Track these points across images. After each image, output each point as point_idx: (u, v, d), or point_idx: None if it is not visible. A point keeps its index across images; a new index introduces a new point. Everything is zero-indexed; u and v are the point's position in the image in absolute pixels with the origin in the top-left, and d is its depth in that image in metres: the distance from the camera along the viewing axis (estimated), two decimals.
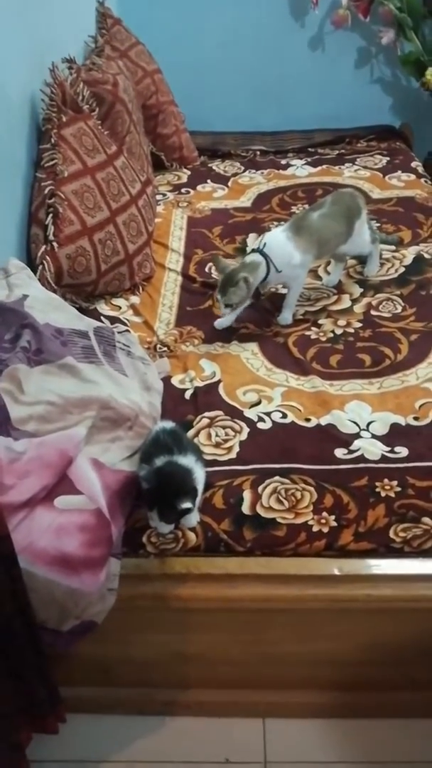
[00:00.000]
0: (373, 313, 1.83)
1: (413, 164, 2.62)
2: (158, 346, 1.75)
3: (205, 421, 1.50)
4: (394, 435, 1.44)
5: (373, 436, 1.44)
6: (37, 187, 1.81)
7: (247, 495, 1.32)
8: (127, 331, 1.76)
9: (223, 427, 1.48)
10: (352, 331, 1.77)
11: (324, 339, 1.75)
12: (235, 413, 1.52)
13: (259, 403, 1.55)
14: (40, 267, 1.70)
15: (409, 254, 2.05)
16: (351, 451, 1.41)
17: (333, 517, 1.29)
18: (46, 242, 1.73)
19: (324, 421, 1.49)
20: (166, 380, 1.61)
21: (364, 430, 1.46)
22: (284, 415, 1.51)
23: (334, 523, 1.28)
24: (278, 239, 1.75)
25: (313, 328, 1.79)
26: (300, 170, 2.65)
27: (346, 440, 1.43)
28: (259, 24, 2.98)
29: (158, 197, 2.45)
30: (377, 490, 1.32)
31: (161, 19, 2.93)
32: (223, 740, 1.36)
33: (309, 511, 1.29)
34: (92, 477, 1.23)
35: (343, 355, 1.69)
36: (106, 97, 2.10)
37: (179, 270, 2.07)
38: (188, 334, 1.79)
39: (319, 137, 2.92)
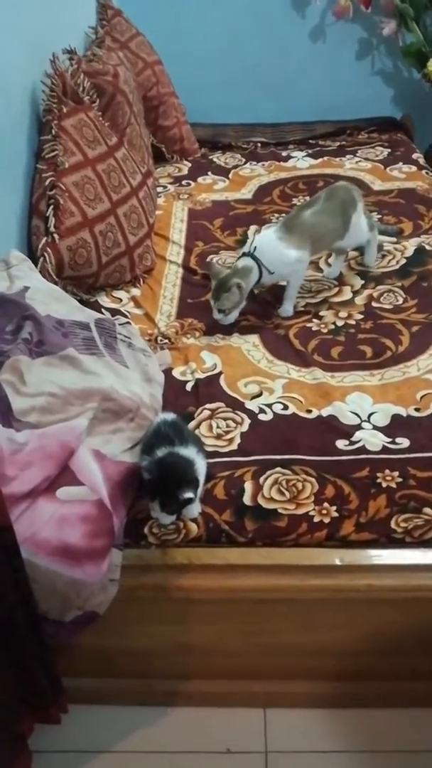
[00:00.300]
0: (374, 304, 1.83)
1: (414, 156, 2.61)
2: (159, 338, 1.75)
3: (207, 412, 1.50)
4: (396, 426, 1.44)
5: (375, 428, 1.44)
6: (37, 179, 1.80)
7: (248, 486, 1.32)
8: (128, 323, 1.76)
9: (225, 419, 1.48)
10: (353, 322, 1.77)
11: (325, 331, 1.75)
12: (236, 405, 1.52)
13: (260, 394, 1.55)
14: (41, 259, 1.70)
15: (410, 246, 2.04)
16: (352, 442, 1.41)
17: (334, 507, 1.29)
18: (47, 234, 1.72)
19: (325, 412, 1.49)
20: (167, 372, 1.61)
21: (365, 421, 1.46)
22: (285, 407, 1.51)
23: (336, 514, 1.28)
24: (269, 241, 1.74)
25: (314, 320, 1.79)
26: (301, 162, 2.64)
27: (348, 431, 1.43)
28: (260, 15, 2.97)
29: (159, 189, 2.45)
30: (378, 480, 1.33)
31: (162, 10, 2.92)
32: (224, 730, 1.37)
33: (310, 502, 1.30)
34: (94, 468, 1.23)
35: (345, 346, 1.69)
36: (106, 88, 2.09)
37: (180, 262, 2.06)
38: (189, 326, 1.79)
39: (320, 129, 2.91)
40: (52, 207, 1.73)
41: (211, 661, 1.38)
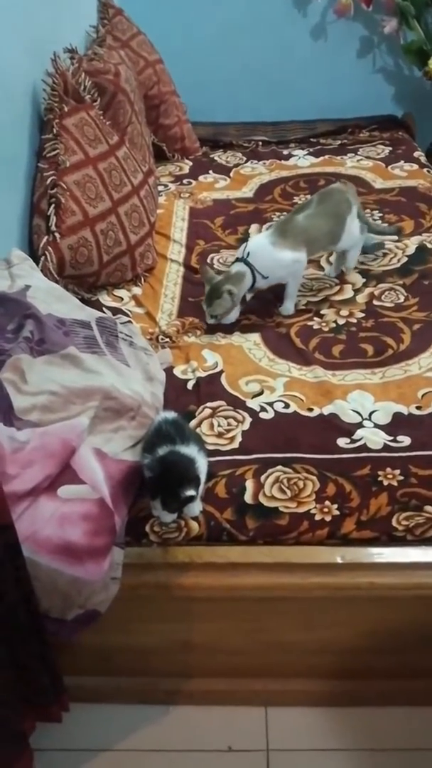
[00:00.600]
0: (375, 303, 1.82)
1: (416, 154, 2.61)
2: (160, 336, 1.75)
3: (208, 411, 1.50)
4: (397, 424, 1.44)
5: (376, 426, 1.44)
6: (39, 178, 1.80)
7: (249, 484, 1.32)
8: (129, 321, 1.76)
9: (226, 417, 1.48)
10: (354, 321, 1.77)
11: (326, 329, 1.75)
12: (237, 403, 1.52)
13: (261, 393, 1.55)
14: (43, 258, 1.70)
15: (412, 244, 2.04)
16: (353, 441, 1.41)
17: (335, 505, 1.29)
18: (48, 233, 1.72)
19: (326, 410, 1.49)
20: (169, 371, 1.61)
21: (366, 419, 1.46)
22: (287, 405, 1.51)
23: (337, 512, 1.28)
24: (262, 246, 1.75)
25: (315, 319, 1.79)
26: (302, 160, 2.64)
27: (349, 430, 1.43)
28: (261, 14, 2.97)
29: (160, 188, 2.44)
30: (380, 479, 1.33)
31: (163, 9, 2.91)
32: (226, 728, 1.37)
33: (311, 500, 1.30)
34: (95, 466, 1.23)
35: (346, 345, 1.68)
36: (107, 87, 2.09)
37: (181, 261, 2.06)
38: (190, 324, 1.79)
39: (321, 127, 2.90)
40: (53, 206, 1.73)
41: (213, 660, 1.38)
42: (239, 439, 1.43)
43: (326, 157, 2.65)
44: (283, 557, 1.25)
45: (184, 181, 2.53)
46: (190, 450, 1.24)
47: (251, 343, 1.72)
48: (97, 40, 2.45)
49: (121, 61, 2.25)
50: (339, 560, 1.24)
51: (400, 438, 1.41)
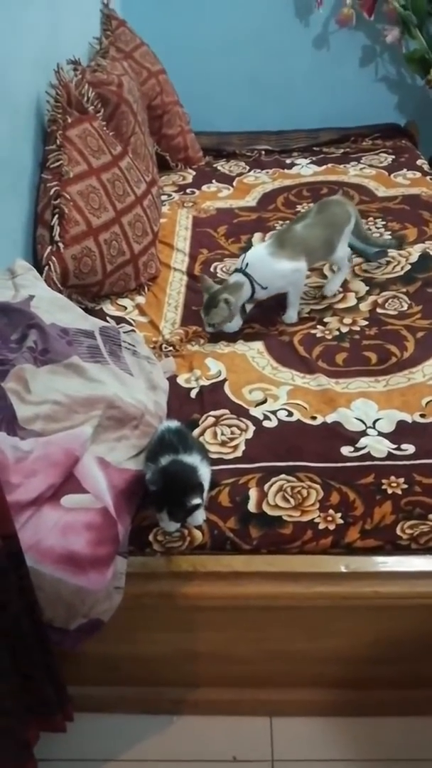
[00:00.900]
0: (378, 311, 1.83)
1: (419, 162, 2.62)
2: (164, 345, 1.75)
3: (211, 419, 1.50)
4: (401, 432, 1.44)
5: (380, 434, 1.44)
6: (42, 188, 1.82)
7: (253, 493, 1.32)
8: (133, 330, 1.77)
9: (229, 426, 1.48)
10: (357, 329, 1.77)
11: (330, 337, 1.75)
12: (240, 412, 1.52)
13: (264, 401, 1.55)
14: (46, 268, 1.71)
15: (415, 252, 2.04)
16: (357, 449, 1.41)
17: (339, 514, 1.29)
18: (52, 243, 1.73)
19: (330, 419, 1.48)
20: (172, 379, 1.61)
21: (370, 427, 1.46)
22: (290, 414, 1.51)
23: (341, 521, 1.28)
24: (260, 257, 1.75)
25: (318, 327, 1.79)
26: (305, 169, 2.65)
27: (353, 438, 1.43)
28: (264, 23, 2.98)
29: (163, 198, 2.46)
30: (384, 487, 1.32)
31: (166, 20, 2.93)
32: (231, 738, 1.36)
33: (315, 509, 1.29)
34: (98, 476, 1.24)
35: (349, 353, 1.69)
36: (110, 98, 2.11)
37: (184, 270, 2.07)
38: (194, 333, 1.79)
39: (324, 136, 2.92)
40: (56, 216, 1.74)
41: (217, 669, 1.37)
42: (242, 447, 1.43)
43: (329, 165, 2.66)
44: (286, 566, 1.25)
45: (188, 190, 2.55)
46: (193, 459, 1.24)
47: (254, 352, 1.72)
48: (100, 52, 2.46)
49: (124, 72, 2.26)
50: (343, 569, 1.24)
51: (404, 446, 1.41)
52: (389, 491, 1.32)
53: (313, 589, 1.23)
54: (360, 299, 1.88)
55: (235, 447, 1.43)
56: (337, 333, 1.76)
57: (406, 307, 1.83)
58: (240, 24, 2.98)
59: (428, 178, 2.49)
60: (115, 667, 1.37)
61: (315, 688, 1.39)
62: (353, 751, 1.33)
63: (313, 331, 1.77)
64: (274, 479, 1.35)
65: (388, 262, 2.01)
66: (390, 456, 1.39)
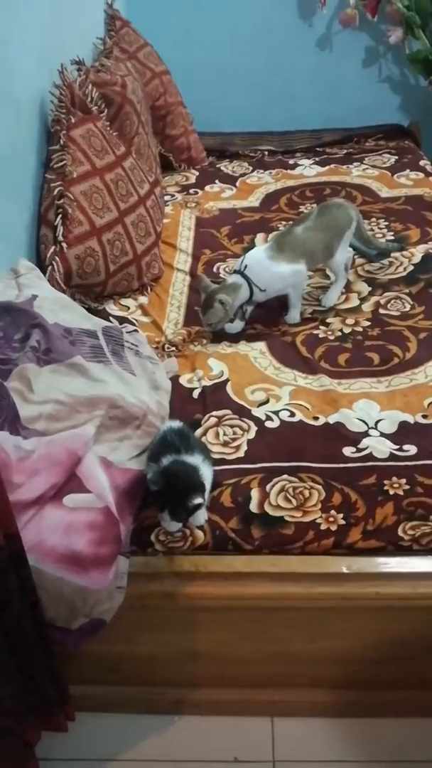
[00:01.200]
0: (381, 311, 1.82)
1: (422, 163, 2.61)
2: (166, 345, 1.76)
3: (213, 420, 1.50)
4: (403, 433, 1.44)
5: (382, 435, 1.44)
6: (46, 188, 1.82)
7: (255, 493, 1.32)
8: (136, 330, 1.77)
9: (231, 426, 1.48)
10: (360, 329, 1.77)
11: (332, 338, 1.75)
12: (243, 412, 1.52)
13: (267, 401, 1.55)
14: (50, 268, 1.71)
15: (418, 253, 2.04)
16: (359, 450, 1.41)
17: (341, 515, 1.29)
18: (56, 243, 1.74)
19: (332, 419, 1.48)
20: (174, 379, 1.61)
21: (372, 428, 1.46)
22: (292, 414, 1.51)
23: (343, 521, 1.28)
24: (259, 260, 1.74)
25: (321, 327, 1.79)
26: (308, 170, 2.65)
27: (355, 438, 1.43)
28: (267, 24, 2.99)
29: (166, 198, 2.46)
30: (386, 488, 1.32)
31: (169, 21, 2.94)
32: (232, 739, 1.36)
33: (317, 510, 1.29)
34: (101, 475, 1.24)
35: (352, 353, 1.68)
36: (114, 98, 2.11)
37: (187, 270, 2.07)
38: (196, 333, 1.80)
39: (327, 137, 2.91)
40: (60, 216, 1.75)
41: (219, 669, 1.38)
42: (245, 448, 1.43)
43: (332, 166, 2.65)
44: (288, 567, 1.25)
45: (191, 190, 2.55)
46: (195, 459, 1.24)
47: (257, 352, 1.72)
48: (104, 52, 2.46)
49: (127, 72, 2.26)
50: (345, 570, 1.24)
51: (406, 447, 1.41)
52: (391, 492, 1.31)
53: (314, 590, 1.23)
54: (362, 300, 1.88)
55: (238, 447, 1.43)
56: (339, 334, 1.76)
57: (408, 307, 1.83)
58: (243, 25, 2.99)
59: (431, 178, 2.49)
60: (117, 667, 1.37)
61: (317, 688, 1.38)
62: (355, 752, 1.33)
63: (315, 332, 1.77)
64: (276, 480, 1.35)
65: (391, 263, 2.01)
66: (392, 457, 1.39)
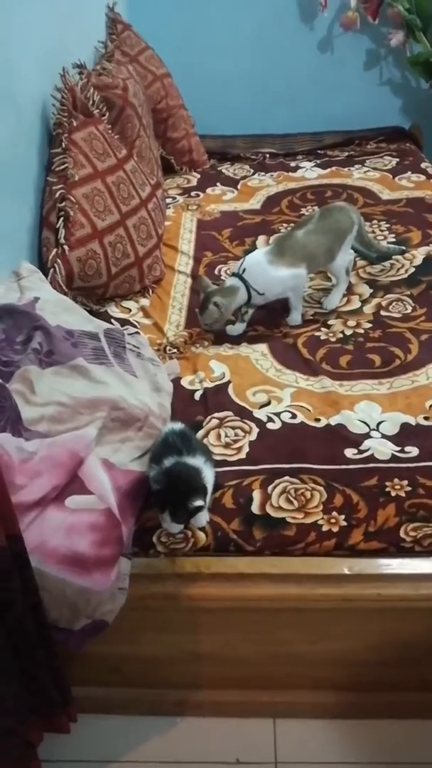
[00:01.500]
0: (383, 313, 1.83)
1: (423, 165, 2.62)
2: (168, 347, 1.76)
3: (215, 421, 1.50)
4: (405, 435, 1.44)
5: (384, 436, 1.44)
6: (48, 191, 1.82)
7: (256, 495, 1.33)
8: (137, 332, 1.77)
9: (233, 428, 1.49)
10: (361, 331, 1.77)
11: (334, 339, 1.75)
12: (244, 414, 1.52)
13: (268, 403, 1.55)
14: (52, 270, 1.72)
15: (419, 255, 2.04)
16: (361, 451, 1.41)
17: (343, 516, 1.29)
18: (57, 245, 1.74)
19: (334, 421, 1.49)
20: (176, 381, 1.62)
21: (374, 430, 1.46)
22: (294, 416, 1.51)
23: (344, 523, 1.28)
24: (258, 263, 1.74)
25: (322, 329, 1.79)
26: (309, 172, 2.65)
27: (356, 440, 1.43)
28: (268, 27, 3.00)
29: (168, 200, 2.46)
30: (387, 489, 1.32)
31: (171, 24, 2.95)
32: (234, 740, 1.36)
33: (319, 511, 1.30)
34: (103, 477, 1.24)
35: (353, 355, 1.69)
36: (116, 101, 2.12)
37: (189, 272, 2.08)
38: (198, 335, 1.80)
39: (328, 139, 2.92)
40: (62, 219, 1.75)
41: (221, 671, 1.38)
42: (246, 449, 1.43)
43: (333, 168, 2.66)
44: (290, 568, 1.25)
45: (192, 193, 2.55)
46: (197, 461, 1.24)
47: (258, 354, 1.72)
48: (105, 55, 2.47)
49: (129, 75, 2.27)
50: (346, 571, 1.24)
51: (407, 449, 1.41)
52: (393, 493, 1.32)
53: (316, 591, 1.23)
54: (364, 302, 1.88)
55: (239, 449, 1.43)
56: (341, 335, 1.76)
57: (410, 309, 1.83)
58: (244, 28, 3.00)
59: None
60: (119, 668, 1.37)
61: (318, 690, 1.38)
62: (357, 754, 1.33)
63: (317, 334, 1.78)
64: (277, 481, 1.35)
65: (392, 265, 2.01)
66: (394, 458, 1.39)
